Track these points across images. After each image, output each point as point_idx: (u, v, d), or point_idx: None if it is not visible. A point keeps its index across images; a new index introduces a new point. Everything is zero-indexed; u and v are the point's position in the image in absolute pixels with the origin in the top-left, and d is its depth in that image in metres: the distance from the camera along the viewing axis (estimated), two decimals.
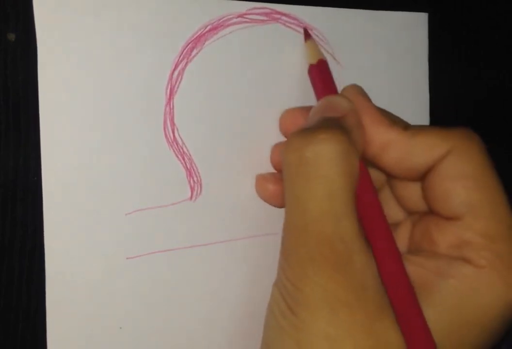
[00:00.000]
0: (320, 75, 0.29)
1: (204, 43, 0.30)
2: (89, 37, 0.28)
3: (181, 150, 0.30)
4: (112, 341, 0.29)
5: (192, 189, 0.30)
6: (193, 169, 0.30)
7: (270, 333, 0.26)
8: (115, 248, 0.29)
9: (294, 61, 0.32)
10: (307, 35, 0.31)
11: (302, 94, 0.32)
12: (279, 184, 0.30)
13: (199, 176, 0.30)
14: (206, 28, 0.30)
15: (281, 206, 0.31)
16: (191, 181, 0.30)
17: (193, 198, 0.30)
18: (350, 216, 0.24)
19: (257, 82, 0.31)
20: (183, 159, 0.30)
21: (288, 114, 0.31)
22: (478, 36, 0.38)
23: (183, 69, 0.30)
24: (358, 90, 0.28)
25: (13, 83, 0.28)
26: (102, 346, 0.29)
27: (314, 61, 0.30)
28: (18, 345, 0.28)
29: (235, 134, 0.31)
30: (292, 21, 0.32)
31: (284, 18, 0.32)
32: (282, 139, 0.32)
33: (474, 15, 0.38)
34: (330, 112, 0.26)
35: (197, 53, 0.30)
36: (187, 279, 0.30)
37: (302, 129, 0.25)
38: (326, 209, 0.23)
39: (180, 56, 0.30)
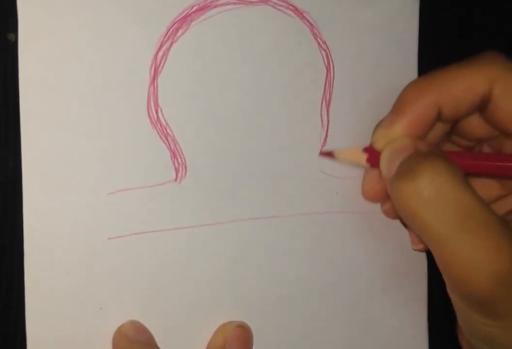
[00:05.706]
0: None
1: (190, 24, 0.30)
2: (72, 15, 0.28)
3: (164, 131, 0.30)
4: (92, 321, 0.29)
5: (176, 170, 0.30)
6: (178, 151, 0.30)
7: None
8: (96, 228, 0.29)
9: (282, 45, 0.31)
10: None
11: (286, 76, 0.31)
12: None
13: (184, 158, 0.30)
14: (192, 8, 0.30)
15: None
16: (175, 162, 0.30)
17: (178, 180, 0.30)
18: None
19: (243, 64, 0.31)
20: (167, 140, 0.30)
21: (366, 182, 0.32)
22: (470, 19, 0.38)
23: (168, 49, 0.29)
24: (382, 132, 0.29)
25: (13, 83, 0.28)
26: (81, 326, 0.29)
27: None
28: None
29: (220, 116, 0.30)
30: (281, 3, 0.32)
31: (273, 0, 0.31)
32: (265, 120, 0.31)
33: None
34: (401, 155, 0.27)
35: (182, 33, 0.30)
36: (170, 261, 0.30)
37: (396, 178, 0.26)
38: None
39: (165, 36, 0.29)
